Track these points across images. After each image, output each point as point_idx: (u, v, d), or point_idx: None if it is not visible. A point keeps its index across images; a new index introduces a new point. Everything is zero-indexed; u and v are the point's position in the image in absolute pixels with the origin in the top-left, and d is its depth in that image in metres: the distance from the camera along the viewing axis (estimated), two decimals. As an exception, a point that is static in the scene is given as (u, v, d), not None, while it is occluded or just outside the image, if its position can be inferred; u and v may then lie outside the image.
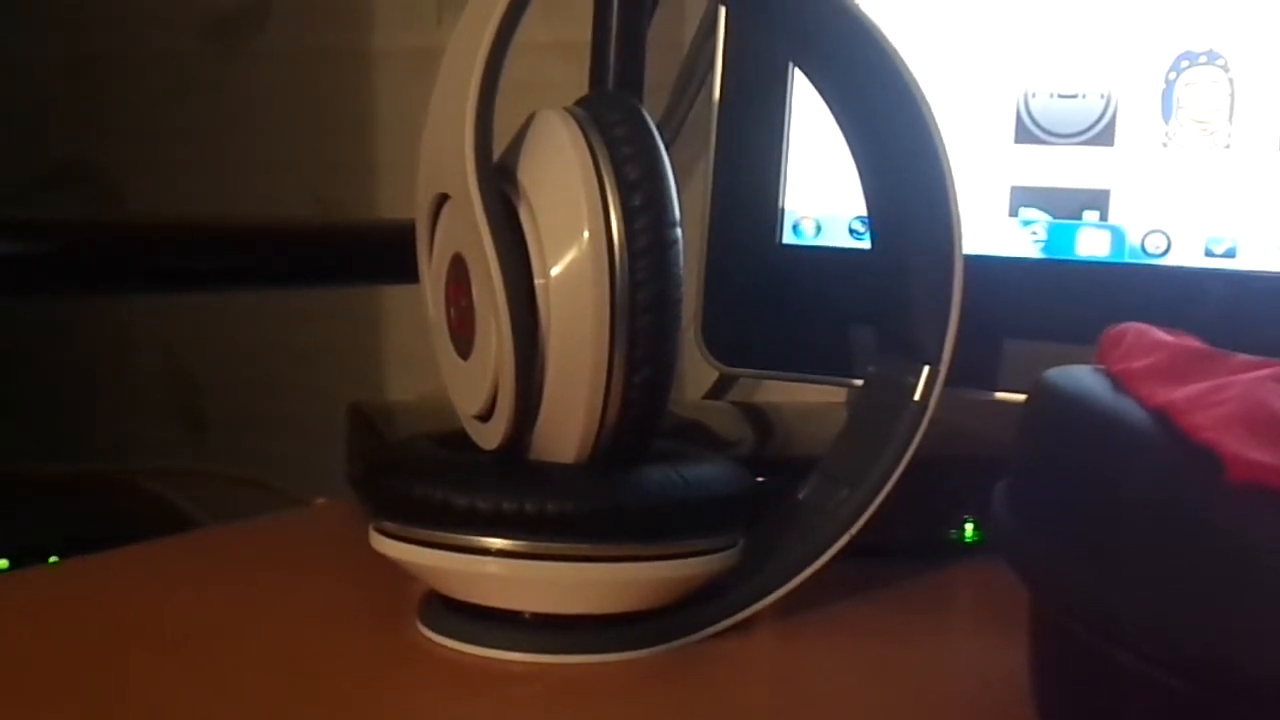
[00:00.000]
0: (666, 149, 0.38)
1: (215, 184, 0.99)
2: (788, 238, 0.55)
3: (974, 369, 0.48)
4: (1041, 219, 0.52)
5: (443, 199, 0.39)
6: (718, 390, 0.75)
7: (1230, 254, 0.50)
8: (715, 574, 0.40)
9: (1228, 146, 0.49)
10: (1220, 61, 0.49)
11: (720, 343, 0.55)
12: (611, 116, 0.38)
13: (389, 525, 0.39)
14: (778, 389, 0.72)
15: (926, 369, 0.43)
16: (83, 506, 0.78)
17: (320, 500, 0.60)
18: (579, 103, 0.40)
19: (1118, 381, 0.33)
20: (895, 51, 0.41)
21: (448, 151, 0.37)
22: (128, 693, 0.36)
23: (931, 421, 0.43)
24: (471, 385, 0.39)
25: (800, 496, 0.44)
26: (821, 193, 0.54)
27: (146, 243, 0.65)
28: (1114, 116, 0.51)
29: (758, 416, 0.68)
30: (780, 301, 0.55)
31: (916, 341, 0.43)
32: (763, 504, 0.42)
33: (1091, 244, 0.51)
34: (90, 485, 0.82)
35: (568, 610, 0.38)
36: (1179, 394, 0.30)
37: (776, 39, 0.48)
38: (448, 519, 0.37)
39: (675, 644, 0.40)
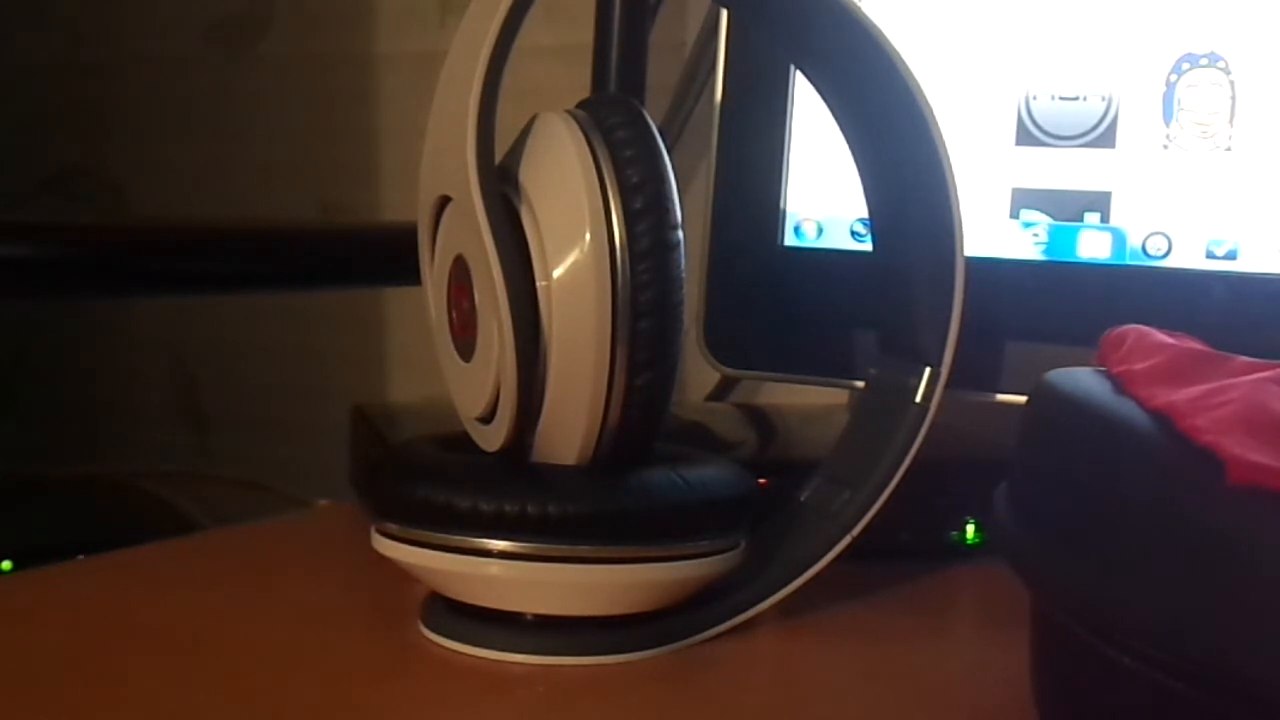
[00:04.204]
0: (668, 151, 0.38)
1: (218, 187, 1.00)
2: (789, 240, 0.55)
3: (975, 371, 0.48)
4: (1043, 221, 0.52)
5: (445, 201, 0.39)
6: (720, 392, 0.75)
7: (1231, 256, 0.50)
8: (717, 576, 0.40)
9: (1229, 149, 0.49)
10: (1221, 63, 0.50)
11: (722, 345, 0.55)
12: (613, 119, 0.38)
13: (391, 527, 0.39)
14: (780, 391, 0.72)
15: (928, 371, 0.43)
16: (85, 508, 0.78)
17: (322, 502, 0.60)
18: (581, 105, 0.40)
19: (1119, 383, 0.33)
20: (897, 53, 0.41)
21: (450, 154, 0.37)
22: (129, 694, 0.36)
23: (933, 423, 0.43)
24: (473, 387, 0.39)
25: (802, 498, 0.44)
26: (823, 195, 0.54)
27: (150, 246, 0.65)
28: (1115, 119, 0.51)
29: (760, 418, 0.68)
30: (782, 304, 0.55)
31: (918, 343, 0.43)
32: (765, 506, 0.42)
33: (1093, 246, 0.51)
34: (93, 487, 0.82)
35: (569, 612, 0.39)
36: (1180, 396, 0.30)
37: (778, 41, 0.48)
38: (450, 521, 0.37)
39: (677, 646, 0.40)
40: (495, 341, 0.37)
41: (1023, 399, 0.36)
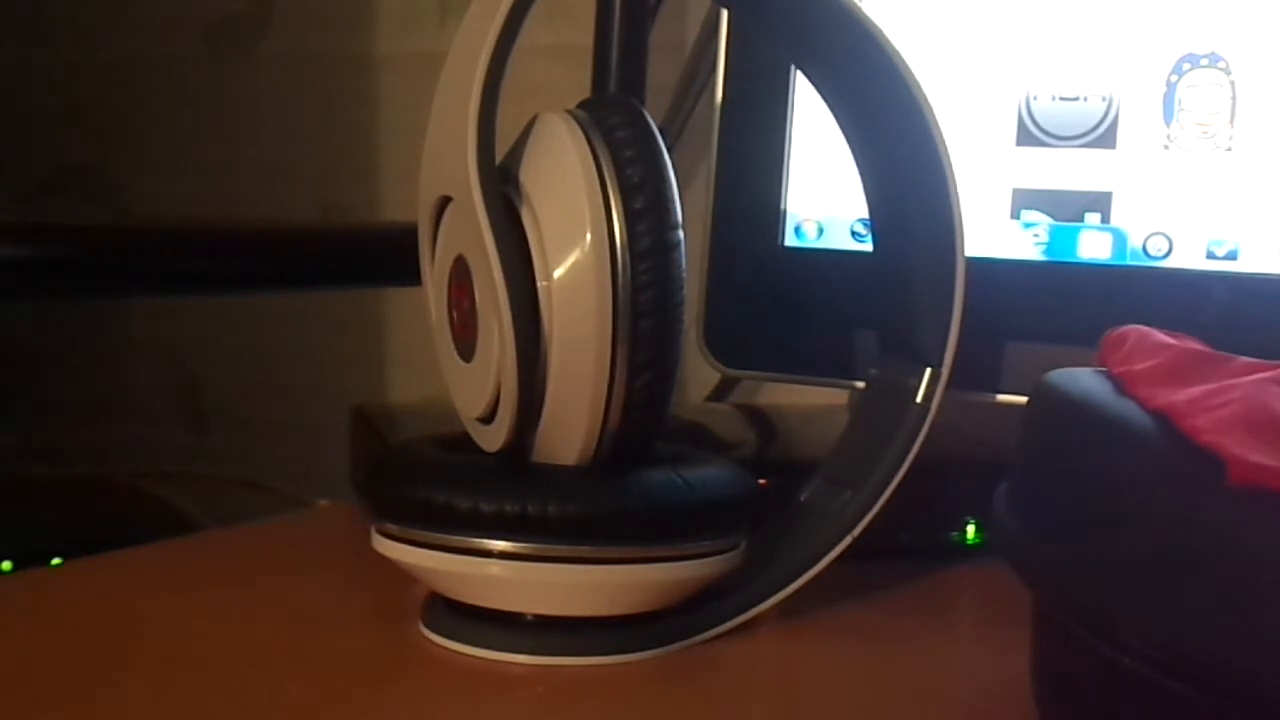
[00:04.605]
0: (668, 151, 0.38)
1: (218, 187, 1.00)
2: (790, 240, 0.55)
3: (976, 371, 0.48)
4: (1043, 221, 0.52)
5: (445, 201, 0.39)
6: (720, 393, 0.75)
7: (1232, 256, 0.50)
8: (717, 576, 0.40)
9: (1229, 149, 0.49)
10: (1222, 64, 0.49)
11: (722, 345, 0.55)
12: (613, 119, 0.38)
13: (391, 527, 0.39)
14: (780, 391, 0.72)
15: (928, 371, 0.43)
16: (85, 509, 0.78)
17: (322, 502, 0.60)
18: (581, 105, 0.40)
19: (1119, 384, 0.33)
20: (897, 54, 0.41)
21: (450, 154, 0.37)
22: (129, 694, 0.36)
23: (933, 424, 0.43)
24: (474, 387, 0.39)
25: (802, 498, 0.44)
26: (823, 195, 0.54)
27: (150, 246, 0.65)
28: (1115, 119, 0.51)
29: (760, 419, 0.68)
30: (782, 304, 0.55)
31: (918, 344, 0.43)
32: (765, 506, 0.42)
33: (1093, 246, 0.51)
34: (93, 488, 0.82)
35: (570, 612, 0.39)
36: (1180, 396, 0.30)
37: (778, 42, 0.48)
38: (450, 521, 0.37)
39: (678, 646, 0.40)
40: (496, 342, 0.37)
41: (1023, 399, 0.36)
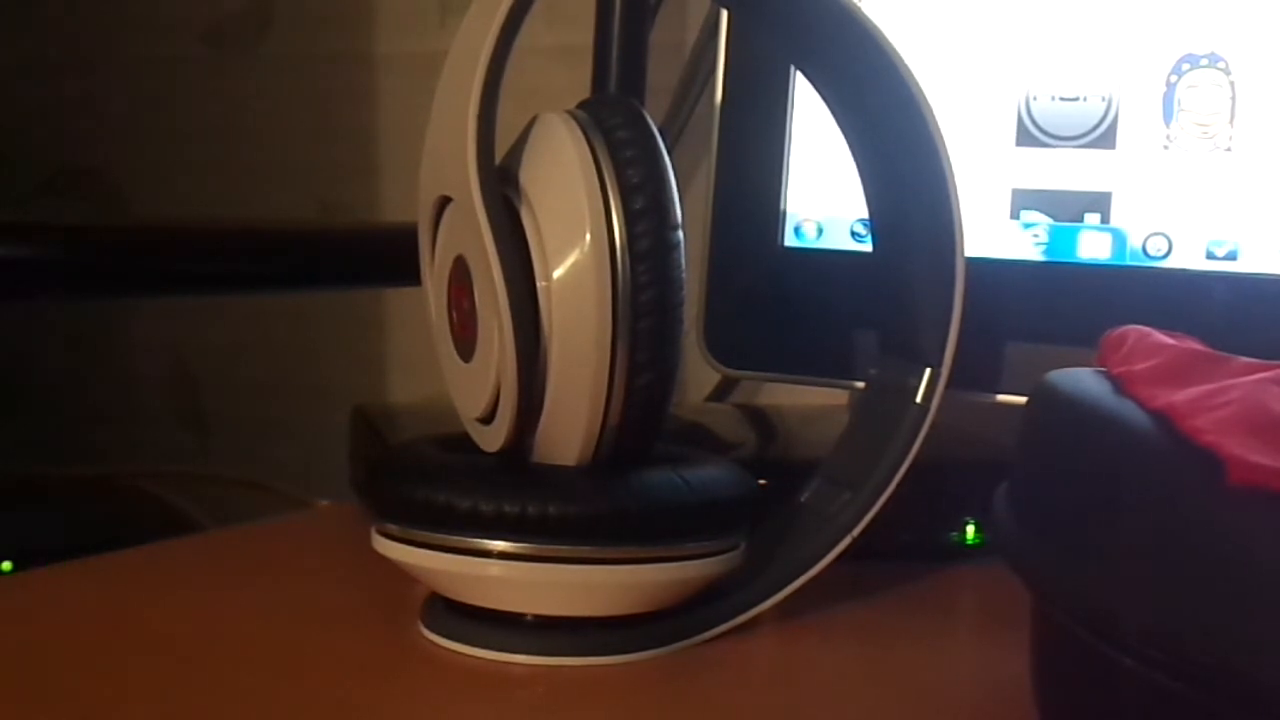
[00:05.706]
0: (668, 152, 0.38)
1: (218, 188, 1.00)
2: (789, 240, 0.55)
3: (975, 371, 0.48)
4: (1043, 221, 0.52)
5: (445, 202, 0.39)
6: (720, 393, 0.75)
7: (1231, 257, 0.50)
8: (717, 576, 0.40)
9: (1229, 149, 0.49)
10: (1221, 64, 0.50)
11: (722, 345, 0.55)
12: (613, 119, 0.38)
13: (391, 528, 0.39)
14: (780, 391, 0.72)
15: (928, 371, 0.43)
16: (85, 509, 0.78)
17: (322, 503, 0.60)
18: (581, 106, 0.40)
19: (1119, 384, 0.33)
20: (897, 54, 0.41)
21: (450, 154, 0.37)
22: (129, 695, 0.36)
23: (933, 424, 0.43)
24: (473, 388, 0.39)
25: (802, 499, 0.44)
26: (823, 195, 0.54)
27: (150, 247, 0.65)
28: (1115, 119, 0.51)
29: (760, 419, 0.68)
30: (782, 304, 0.55)
31: (918, 344, 0.43)
32: (765, 507, 0.42)
33: (1093, 246, 0.51)
34: (93, 488, 0.82)
35: (570, 612, 0.39)
36: (1180, 397, 0.30)
37: (778, 42, 0.48)
38: (450, 521, 0.37)
39: (677, 646, 0.40)
40: (495, 342, 0.37)
41: (1023, 400, 0.36)
